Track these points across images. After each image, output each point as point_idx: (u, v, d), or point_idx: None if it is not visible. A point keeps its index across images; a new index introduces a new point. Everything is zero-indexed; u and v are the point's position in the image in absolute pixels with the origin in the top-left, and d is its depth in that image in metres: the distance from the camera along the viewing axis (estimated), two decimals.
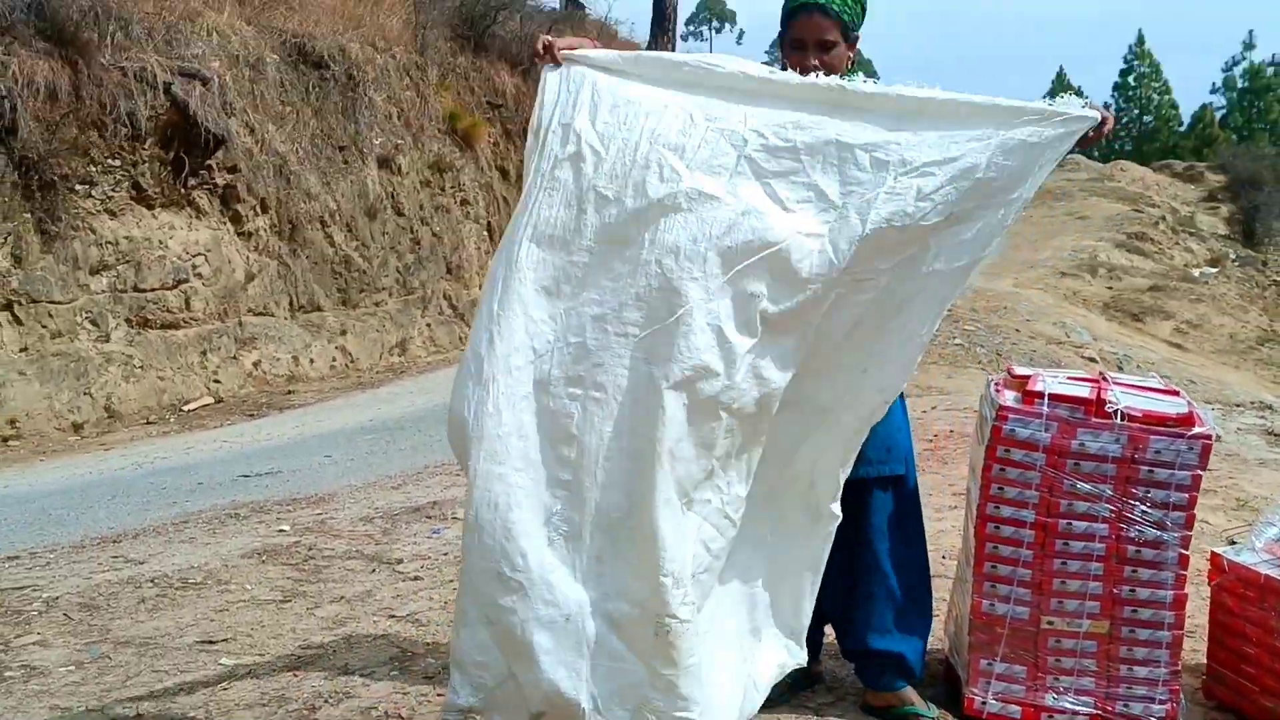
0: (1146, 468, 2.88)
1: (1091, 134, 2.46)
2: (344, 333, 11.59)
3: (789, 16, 2.84)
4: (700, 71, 2.55)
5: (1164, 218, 24.70)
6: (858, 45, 2.86)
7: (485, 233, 14.42)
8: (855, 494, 2.87)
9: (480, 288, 12.86)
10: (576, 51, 2.59)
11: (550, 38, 2.63)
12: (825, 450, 2.66)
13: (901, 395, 2.98)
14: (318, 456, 7.24)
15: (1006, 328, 12.00)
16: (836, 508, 2.67)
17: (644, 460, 2.33)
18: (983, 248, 2.47)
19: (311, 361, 11.03)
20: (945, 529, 4.75)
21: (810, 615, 2.75)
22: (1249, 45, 50.68)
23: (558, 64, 2.57)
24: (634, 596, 2.34)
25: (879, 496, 2.94)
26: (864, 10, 2.86)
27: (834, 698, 3.11)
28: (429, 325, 12.90)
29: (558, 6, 20.23)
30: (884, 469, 2.89)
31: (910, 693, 3.02)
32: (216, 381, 9.87)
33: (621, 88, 2.52)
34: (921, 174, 2.37)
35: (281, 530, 5.18)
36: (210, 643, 3.69)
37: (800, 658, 2.77)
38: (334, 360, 11.37)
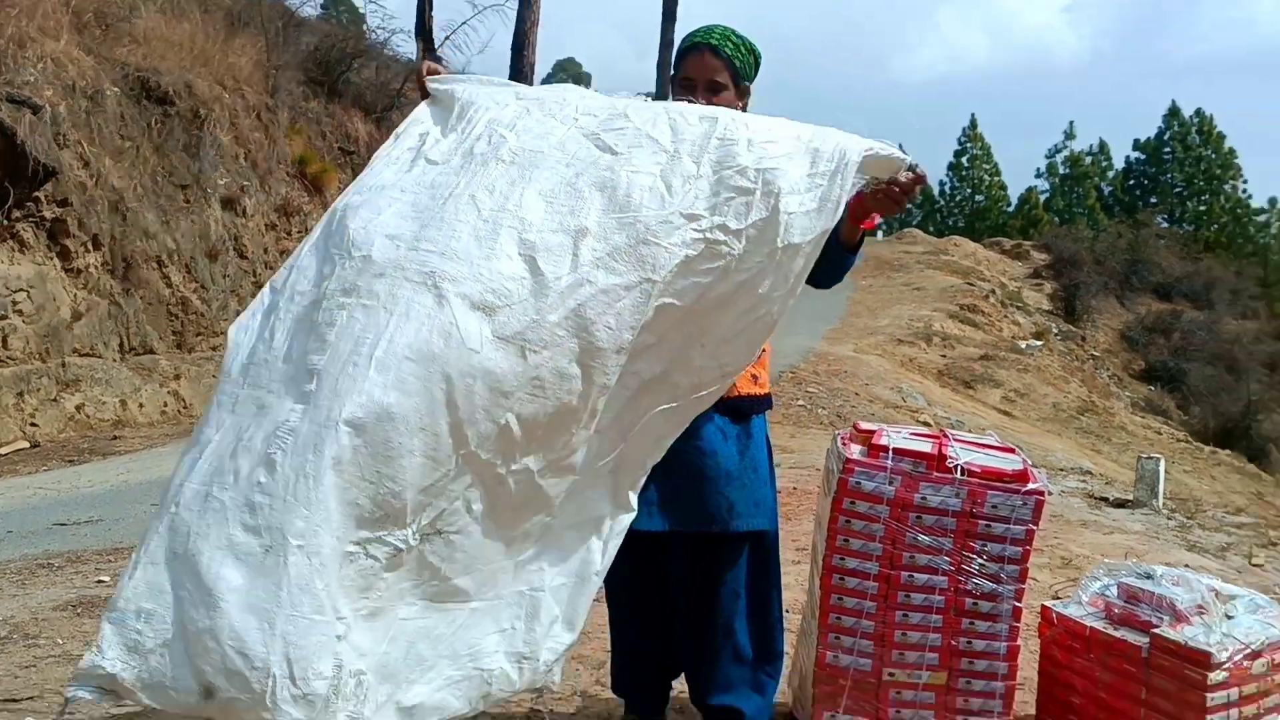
0: (984, 522, 2.97)
1: (906, 181, 2.42)
2: (178, 377, 11.10)
3: (681, 56, 2.88)
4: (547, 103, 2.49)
5: (994, 292, 25.96)
6: (749, 98, 2.90)
7: None
8: (718, 547, 2.86)
9: None
10: (440, 78, 2.62)
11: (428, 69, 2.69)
12: (645, 427, 2.37)
13: (769, 451, 3.00)
14: (144, 505, 6.84)
15: (847, 391, 12.33)
16: (634, 499, 2.39)
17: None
18: (828, 220, 2.31)
19: (141, 406, 10.51)
20: (788, 584, 4.77)
21: (564, 637, 2.28)
22: (1069, 135, 54.16)
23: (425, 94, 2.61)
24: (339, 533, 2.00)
25: (741, 551, 2.92)
26: (757, 63, 2.91)
27: None
28: None
29: (414, 57, 20.14)
30: (751, 523, 2.86)
31: None
32: (33, 425, 9.29)
33: (470, 94, 2.51)
34: (752, 130, 2.33)
35: (100, 581, 4.85)
36: (13, 700, 3.41)
37: (521, 683, 2.24)
38: (165, 405, 10.86)
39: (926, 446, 3.03)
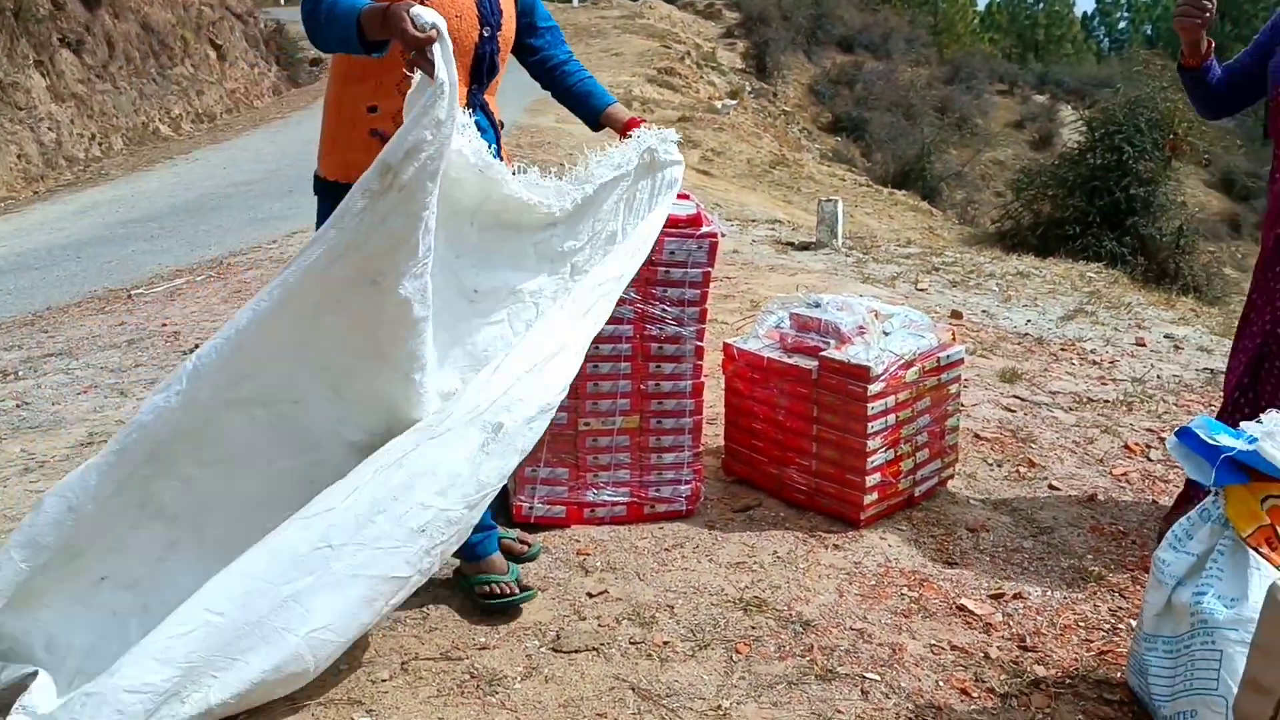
0: (664, 268, 3.04)
1: None
2: None
3: None
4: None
5: (689, 53, 26.16)
6: None
7: None
8: None
9: None
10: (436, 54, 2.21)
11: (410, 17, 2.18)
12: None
13: None
14: None
15: (552, 162, 12.25)
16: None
17: None
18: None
19: None
20: None
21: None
22: None
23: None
24: None
25: None
26: None
27: None
28: None
29: None
30: None
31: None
32: None
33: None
34: (574, 254, 2.76)
35: None
36: None
37: None
38: None
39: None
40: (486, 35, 2.60)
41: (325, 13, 2.28)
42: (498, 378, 2.49)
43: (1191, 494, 3.15)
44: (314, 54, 24.93)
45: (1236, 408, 3.05)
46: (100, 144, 13.73)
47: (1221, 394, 3.27)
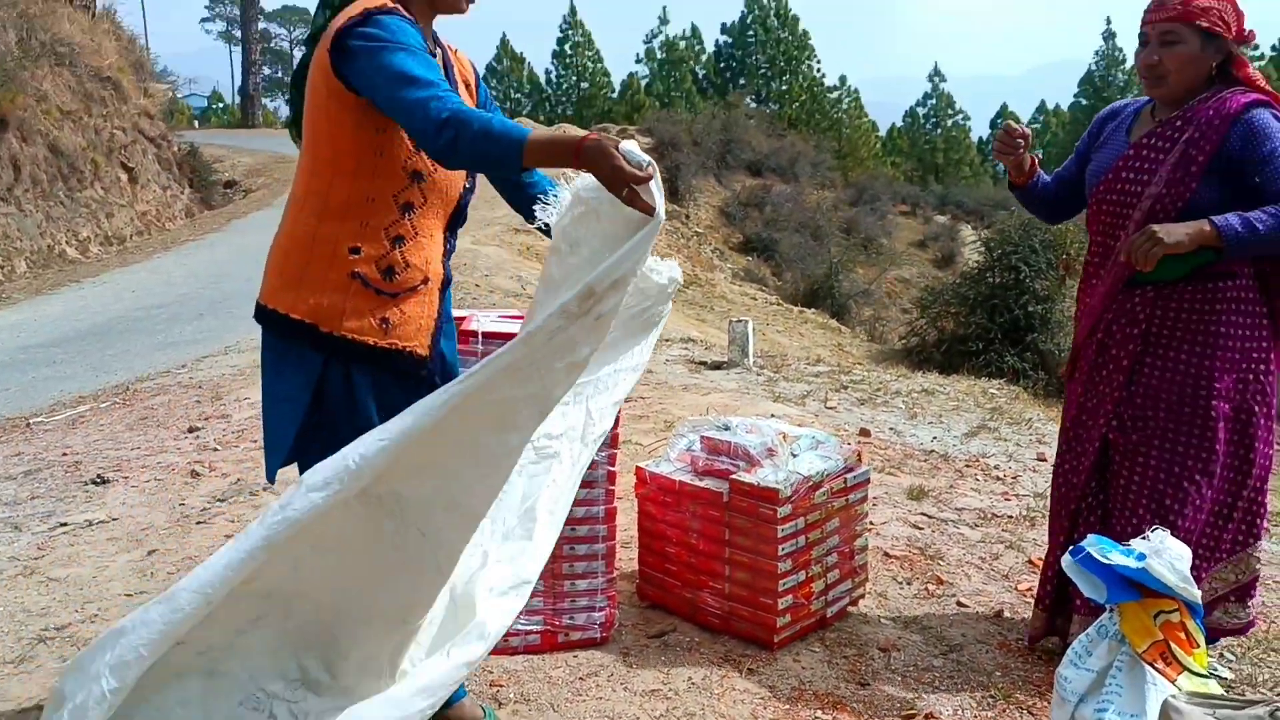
0: None
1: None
2: None
3: None
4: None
5: None
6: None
7: None
8: None
9: None
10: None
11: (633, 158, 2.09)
12: None
13: None
14: None
15: (468, 284, 12.33)
16: None
17: None
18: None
19: None
20: None
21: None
22: (664, 20, 56.15)
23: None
24: None
25: None
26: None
27: None
28: None
29: None
30: None
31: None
32: None
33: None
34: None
35: None
36: None
37: None
38: None
39: (515, 328, 3.08)
40: (469, 186, 2.57)
41: (477, 131, 2.12)
42: (545, 546, 2.58)
43: (1044, 591, 3.24)
44: (228, 176, 24.93)
45: (1086, 514, 3.13)
46: (2, 268, 13.47)
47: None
